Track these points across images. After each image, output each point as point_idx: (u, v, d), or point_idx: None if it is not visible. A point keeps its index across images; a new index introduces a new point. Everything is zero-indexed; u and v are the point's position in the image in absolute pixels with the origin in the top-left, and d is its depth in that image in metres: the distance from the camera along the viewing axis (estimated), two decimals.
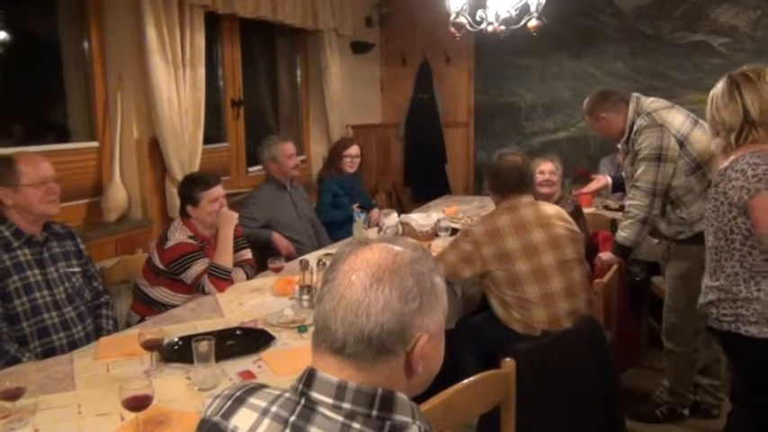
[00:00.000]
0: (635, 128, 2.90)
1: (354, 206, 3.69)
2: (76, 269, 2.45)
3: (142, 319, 2.69)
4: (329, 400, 0.90)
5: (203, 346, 1.78)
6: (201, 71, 3.70)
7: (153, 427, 1.55)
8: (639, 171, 2.84)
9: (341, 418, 0.89)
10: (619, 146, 3.11)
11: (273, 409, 0.93)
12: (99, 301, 2.54)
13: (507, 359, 1.74)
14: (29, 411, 1.65)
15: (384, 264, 0.94)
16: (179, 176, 3.45)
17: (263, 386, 1.00)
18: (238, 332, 2.20)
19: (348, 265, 0.95)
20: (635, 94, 2.98)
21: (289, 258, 3.32)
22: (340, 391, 0.90)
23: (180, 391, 1.77)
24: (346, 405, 0.90)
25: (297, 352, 2.04)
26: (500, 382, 1.71)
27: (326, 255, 3.02)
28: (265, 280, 2.87)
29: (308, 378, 0.93)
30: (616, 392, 2.26)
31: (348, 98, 5.34)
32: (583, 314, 2.52)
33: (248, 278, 2.91)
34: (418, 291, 0.94)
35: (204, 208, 2.81)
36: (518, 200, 2.71)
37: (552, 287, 2.60)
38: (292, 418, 0.90)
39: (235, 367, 1.92)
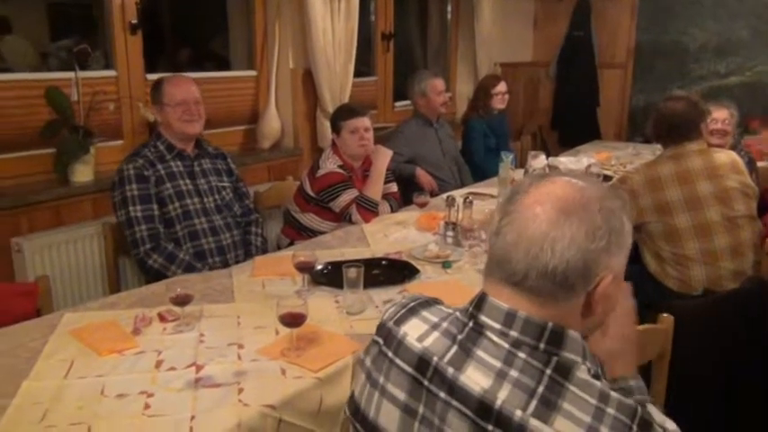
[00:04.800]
0: None
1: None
2: (226, 184, 2.63)
3: (291, 243, 2.81)
4: (497, 326, 0.90)
5: (353, 273, 1.83)
6: (355, 2, 3.70)
7: (305, 343, 1.62)
8: None
9: (507, 346, 0.88)
10: None
11: (444, 324, 0.95)
12: (249, 218, 2.68)
13: (665, 315, 1.64)
14: (195, 317, 1.79)
15: (571, 198, 0.90)
16: (330, 107, 3.52)
17: (436, 302, 1.02)
18: (384, 263, 2.24)
19: (531, 197, 0.91)
20: None
21: (431, 194, 3.31)
22: (509, 319, 0.89)
23: (329, 313, 1.84)
24: (513, 333, 0.88)
25: (441, 286, 2.05)
26: (657, 337, 1.62)
27: (471, 193, 2.98)
28: (409, 214, 2.89)
29: (479, 302, 0.93)
30: None
31: (498, 34, 5.14)
32: (750, 276, 2.31)
33: (392, 211, 2.95)
34: (607, 229, 0.89)
35: (344, 138, 2.86)
36: (686, 147, 2.49)
37: (716, 245, 2.40)
38: (460, 337, 0.92)
39: (380, 295, 1.96)
